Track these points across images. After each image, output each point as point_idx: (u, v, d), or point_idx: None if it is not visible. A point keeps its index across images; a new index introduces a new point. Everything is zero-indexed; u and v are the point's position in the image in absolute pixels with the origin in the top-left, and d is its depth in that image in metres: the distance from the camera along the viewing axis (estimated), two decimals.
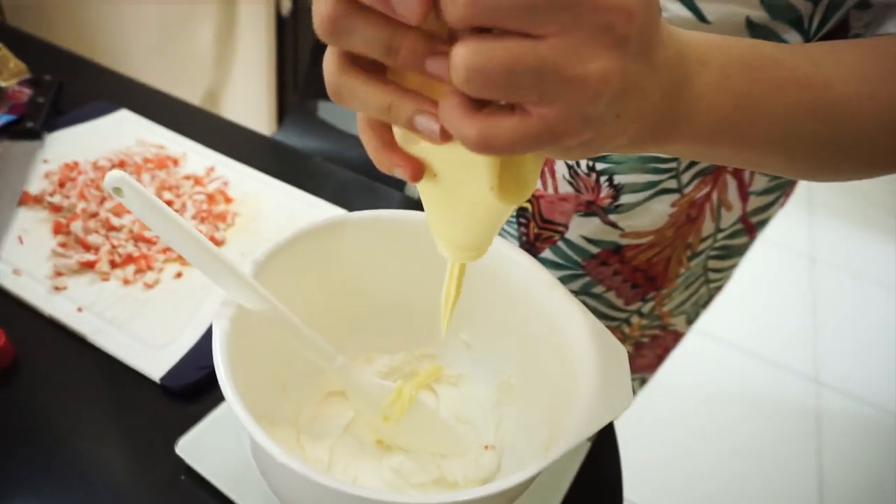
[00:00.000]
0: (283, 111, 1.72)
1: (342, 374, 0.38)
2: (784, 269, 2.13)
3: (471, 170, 0.25)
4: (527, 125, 0.22)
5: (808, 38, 0.42)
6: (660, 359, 0.71)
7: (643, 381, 0.75)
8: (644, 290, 0.60)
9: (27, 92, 0.70)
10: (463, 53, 0.20)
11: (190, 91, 1.40)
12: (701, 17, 0.42)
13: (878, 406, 1.72)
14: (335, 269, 0.44)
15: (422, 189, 0.29)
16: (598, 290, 0.60)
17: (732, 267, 0.64)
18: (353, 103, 0.25)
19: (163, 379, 0.46)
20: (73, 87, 0.74)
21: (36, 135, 0.64)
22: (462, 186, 0.26)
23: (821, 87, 0.31)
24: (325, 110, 1.62)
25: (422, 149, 0.26)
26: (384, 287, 0.46)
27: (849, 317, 2.01)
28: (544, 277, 0.41)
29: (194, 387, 0.46)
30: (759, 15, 0.41)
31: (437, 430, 0.40)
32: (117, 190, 0.31)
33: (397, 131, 0.27)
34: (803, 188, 2.44)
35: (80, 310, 0.50)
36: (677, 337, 0.69)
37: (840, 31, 0.45)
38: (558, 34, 0.20)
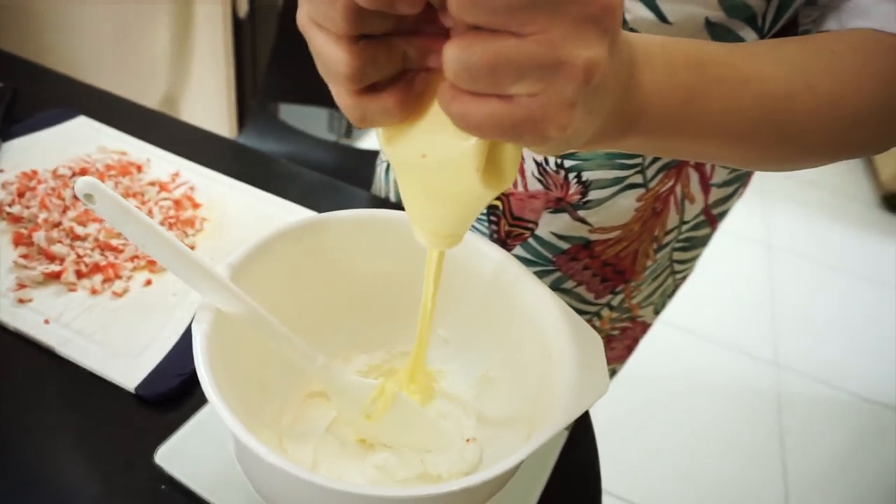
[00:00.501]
0: (243, 114, 1.69)
1: (323, 374, 0.38)
2: (741, 257, 2.20)
3: (458, 156, 0.26)
4: (511, 110, 0.23)
5: (762, 35, 0.44)
6: (629, 349, 0.73)
7: (613, 372, 0.76)
8: (613, 284, 0.61)
9: None
10: (450, 52, 0.22)
11: (147, 95, 1.37)
12: (662, 18, 0.43)
13: (835, 385, 1.79)
14: (309, 270, 0.44)
15: (403, 177, 0.30)
16: (569, 285, 0.61)
17: (696, 258, 0.66)
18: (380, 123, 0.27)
19: (138, 388, 0.45)
20: (28, 94, 0.72)
21: None
22: (446, 172, 0.27)
23: (759, 80, 0.33)
24: (285, 112, 1.61)
25: (409, 134, 0.27)
26: (360, 286, 0.46)
27: (805, 300, 2.08)
28: (516, 270, 0.42)
29: (171, 394, 0.45)
30: (716, 14, 0.43)
31: (421, 426, 0.41)
32: (88, 196, 0.31)
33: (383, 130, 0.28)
34: (757, 178, 2.52)
35: (46, 322, 0.48)
36: (645, 327, 0.71)
37: (791, 28, 0.47)
38: (540, 31, 0.21)
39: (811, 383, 1.79)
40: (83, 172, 0.61)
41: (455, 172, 0.27)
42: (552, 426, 0.33)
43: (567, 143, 0.26)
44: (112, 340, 0.48)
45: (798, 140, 0.36)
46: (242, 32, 1.57)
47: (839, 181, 2.74)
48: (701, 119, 0.32)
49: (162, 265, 0.34)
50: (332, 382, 0.38)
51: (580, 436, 0.48)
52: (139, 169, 0.64)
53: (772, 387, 1.75)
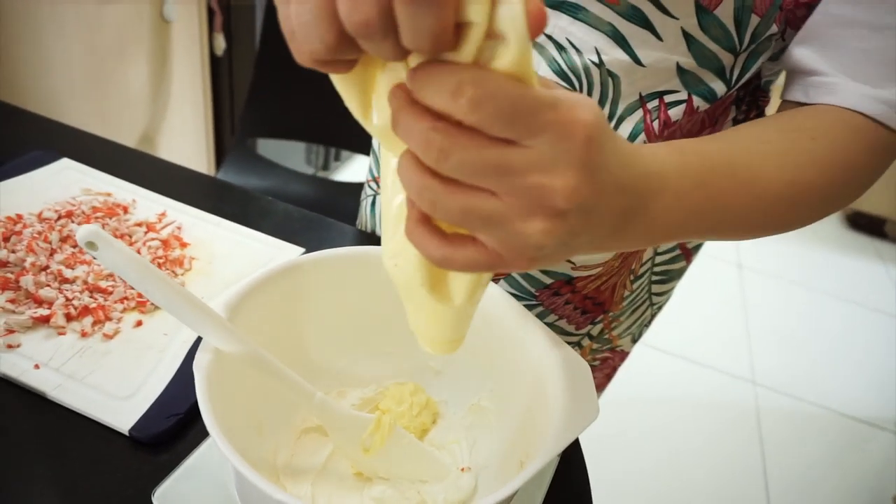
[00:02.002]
0: (221, 150, 1.70)
1: (321, 409, 0.39)
2: (715, 278, 2.25)
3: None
4: (478, 255, 0.25)
5: (729, 86, 0.47)
6: (608, 377, 0.75)
7: None
8: (593, 315, 0.63)
9: None
10: (413, 185, 0.24)
11: (124, 134, 1.37)
12: (637, 61, 0.46)
13: (811, 401, 1.83)
14: (302, 307, 0.45)
15: (402, 292, 0.30)
16: (551, 318, 0.63)
17: (672, 289, 0.69)
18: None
19: (132, 430, 0.45)
20: (7, 137, 0.72)
21: None
22: (423, 291, 0.28)
23: (752, 184, 0.36)
24: (263, 147, 1.62)
25: (392, 239, 0.28)
26: (352, 322, 0.47)
27: (777, 318, 2.13)
28: (505, 301, 0.44)
29: (164, 436, 0.45)
30: (687, 62, 0.46)
31: (417, 457, 0.41)
32: (91, 244, 0.32)
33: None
34: None
35: (37, 366, 0.48)
36: (623, 356, 0.73)
37: (755, 78, 0.50)
38: (504, 195, 0.24)
39: (787, 399, 1.83)
40: (69, 215, 0.61)
41: (413, 284, 0.28)
42: (545, 454, 0.34)
43: (550, 265, 0.28)
44: (104, 383, 0.48)
45: (776, 224, 0.40)
46: (220, 69, 1.59)
47: None
48: (698, 227, 0.35)
49: (164, 309, 0.34)
50: (331, 417, 0.39)
51: (572, 458, 0.49)
52: (125, 210, 0.65)
53: (750, 403, 1.79)
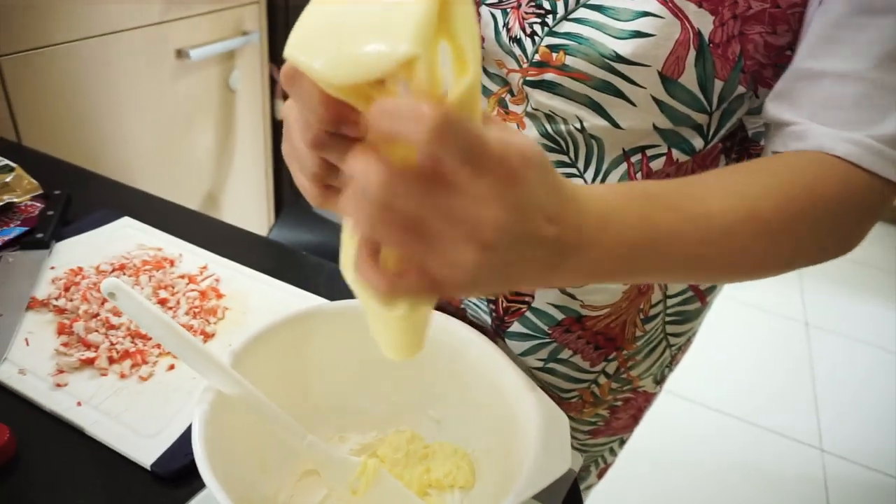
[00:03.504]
0: (280, 209, 1.81)
1: (312, 452, 0.41)
2: (781, 336, 2.15)
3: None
4: (419, 282, 0.27)
5: (707, 140, 0.49)
6: (635, 419, 0.75)
7: (622, 442, 0.78)
8: (606, 351, 0.64)
9: (38, 206, 0.77)
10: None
11: (190, 195, 1.49)
12: (616, 125, 0.49)
13: (883, 471, 1.70)
14: (308, 355, 0.49)
15: (362, 302, 0.33)
16: (565, 354, 0.64)
17: (691, 330, 0.69)
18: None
19: (153, 465, 0.49)
20: (81, 199, 0.81)
21: (44, 245, 0.71)
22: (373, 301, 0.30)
23: (702, 218, 0.36)
24: None
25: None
26: (356, 370, 0.50)
27: (847, 380, 2.01)
28: (494, 353, 0.46)
29: (182, 471, 0.49)
30: (663, 122, 0.48)
31: (403, 501, 0.43)
32: (112, 294, 0.37)
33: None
34: None
35: (79, 404, 0.54)
36: (648, 397, 0.73)
37: (740, 131, 0.52)
38: (439, 225, 0.26)
39: (858, 469, 1.70)
40: (122, 268, 0.68)
41: (366, 295, 0.30)
42: (515, 496, 0.36)
43: (491, 290, 0.30)
44: (135, 421, 0.53)
45: (741, 261, 0.39)
46: (280, 133, 1.71)
47: (881, 258, 2.68)
48: (645, 263, 0.35)
49: (172, 352, 0.39)
50: (320, 459, 0.42)
51: None
52: (171, 263, 0.71)
53: (818, 472, 1.67)
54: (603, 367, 0.65)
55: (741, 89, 0.47)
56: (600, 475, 0.81)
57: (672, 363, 0.71)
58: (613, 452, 0.78)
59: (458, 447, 0.49)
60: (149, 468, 0.49)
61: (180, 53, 1.34)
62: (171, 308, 0.65)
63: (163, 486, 0.49)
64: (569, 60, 0.48)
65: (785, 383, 1.97)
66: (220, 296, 0.68)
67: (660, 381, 0.72)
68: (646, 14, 0.44)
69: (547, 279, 0.31)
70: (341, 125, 0.29)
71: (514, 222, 0.26)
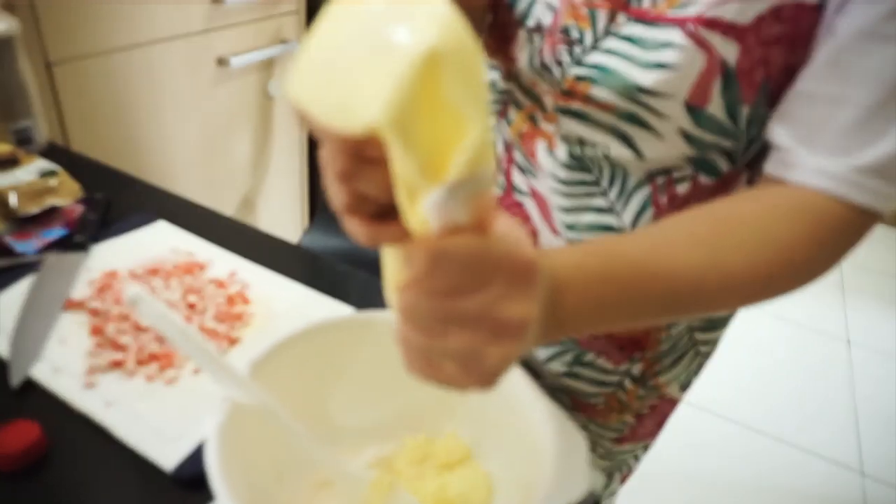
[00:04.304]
0: (314, 212, 1.83)
1: (326, 464, 0.42)
2: (821, 354, 2.08)
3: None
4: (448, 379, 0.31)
5: (734, 164, 0.49)
6: (659, 425, 0.74)
7: (646, 448, 0.77)
8: (629, 351, 0.63)
9: (80, 209, 0.79)
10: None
11: (227, 199, 1.52)
12: (640, 156, 0.49)
13: None
14: (330, 365, 0.49)
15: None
16: (589, 357, 0.64)
17: (719, 336, 0.68)
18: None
19: (175, 469, 0.50)
20: (120, 202, 0.83)
21: (83, 247, 0.73)
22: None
23: (667, 274, 0.38)
24: None
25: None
26: (377, 382, 0.50)
27: (889, 401, 1.93)
28: (517, 374, 0.46)
29: (202, 477, 0.50)
30: (691, 152, 0.48)
31: None
32: (135, 302, 0.38)
33: None
34: (835, 272, 2.41)
35: (108, 405, 0.55)
36: (673, 403, 0.72)
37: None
38: (469, 331, 0.29)
39: None
40: (154, 272, 0.70)
41: None
42: None
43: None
44: (159, 424, 0.54)
45: (707, 307, 0.41)
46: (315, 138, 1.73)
47: None
48: (615, 318, 0.38)
49: (190, 360, 0.39)
50: (335, 472, 0.42)
51: None
52: (202, 268, 0.72)
53: (857, 496, 1.61)
54: (627, 367, 0.65)
55: (764, 111, 0.46)
56: (623, 480, 0.81)
57: (698, 369, 0.70)
58: (637, 458, 0.78)
59: (477, 464, 0.49)
60: (170, 472, 0.50)
61: (221, 61, 1.37)
62: (199, 313, 0.66)
63: (183, 491, 0.50)
64: (594, 90, 0.48)
65: (825, 402, 1.90)
66: (246, 301, 0.69)
67: (685, 387, 0.71)
68: (668, 45, 0.44)
69: (538, 345, 0.36)
70: (365, 149, 0.28)
71: (534, 310, 0.30)
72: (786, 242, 0.40)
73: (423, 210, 0.26)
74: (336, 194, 0.32)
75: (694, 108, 0.45)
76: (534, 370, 0.68)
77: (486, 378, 0.30)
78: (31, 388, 0.57)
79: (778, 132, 0.44)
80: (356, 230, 0.32)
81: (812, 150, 0.41)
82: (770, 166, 0.44)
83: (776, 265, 0.40)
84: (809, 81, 0.42)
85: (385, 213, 0.31)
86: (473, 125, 0.23)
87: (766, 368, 2.00)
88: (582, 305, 0.35)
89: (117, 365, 0.59)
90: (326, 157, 0.30)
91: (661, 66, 0.44)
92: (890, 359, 2.10)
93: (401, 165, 0.23)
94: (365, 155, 0.28)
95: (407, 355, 0.31)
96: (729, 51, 0.43)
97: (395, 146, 0.23)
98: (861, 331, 2.20)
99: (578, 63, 0.49)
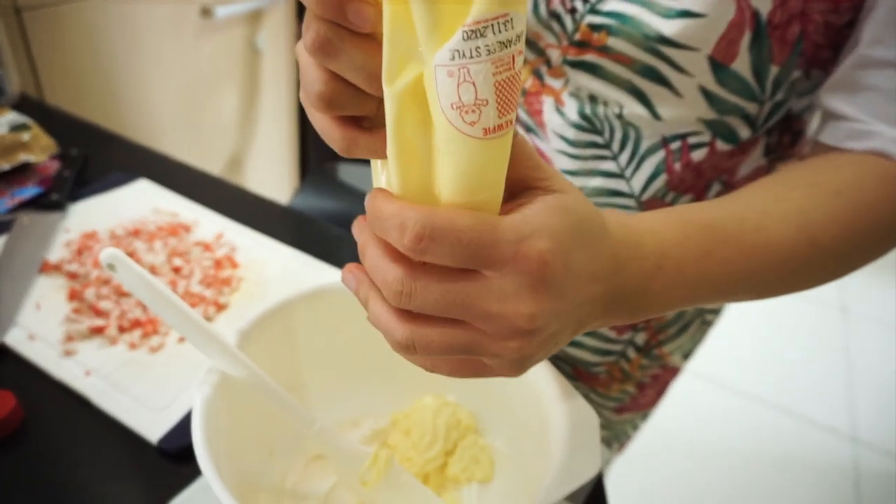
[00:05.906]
0: (305, 173, 1.78)
1: (320, 439, 0.39)
2: (816, 323, 2.09)
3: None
4: (470, 371, 0.28)
5: (755, 130, 0.45)
6: (659, 394, 0.73)
7: (645, 416, 0.76)
8: None
9: (54, 166, 0.75)
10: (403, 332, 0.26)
11: (213, 157, 1.47)
12: (657, 117, 0.45)
13: None
14: (320, 335, 0.46)
15: None
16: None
17: (724, 305, 0.66)
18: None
19: (160, 441, 0.47)
20: (98, 160, 0.79)
21: (60, 206, 0.69)
22: None
23: (763, 250, 0.34)
24: (343, 171, 1.68)
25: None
26: (365, 353, 0.47)
27: (884, 370, 1.94)
28: None
29: (190, 449, 0.47)
30: (709, 115, 0.44)
31: (415, 494, 0.41)
32: (111, 266, 0.34)
33: None
34: None
35: (87, 373, 0.52)
36: (675, 372, 0.70)
37: (784, 119, 0.47)
38: (473, 324, 0.25)
39: (893, 462, 1.65)
40: (136, 233, 0.66)
41: None
42: (545, 496, 0.33)
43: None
44: (143, 394, 0.51)
45: (794, 285, 0.38)
46: None
47: None
48: (704, 297, 0.34)
49: (175, 330, 0.36)
50: (329, 447, 0.39)
51: None
52: (187, 229, 0.69)
53: (848, 464, 1.62)
54: (631, 336, 0.63)
55: (796, 73, 0.42)
56: (620, 449, 0.79)
57: (702, 338, 0.68)
58: (636, 427, 0.77)
59: (479, 438, 0.46)
60: (155, 443, 0.47)
61: (205, 11, 1.30)
62: (184, 277, 0.62)
63: (169, 463, 0.47)
64: (611, 41, 0.44)
65: (819, 371, 1.91)
66: (235, 265, 0.65)
67: (688, 356, 0.69)
68: None
69: (607, 324, 0.30)
70: (345, 8, 0.23)
71: (546, 307, 0.25)
72: (878, 216, 0.37)
73: (429, 77, 0.21)
74: (311, 77, 0.25)
75: (718, 65, 0.41)
76: None
77: (516, 367, 0.27)
78: (5, 356, 0.53)
79: (841, 103, 0.40)
80: (329, 130, 0.27)
81: (886, 122, 0.38)
82: (832, 137, 0.41)
83: (870, 239, 0.38)
84: (871, 46, 0.38)
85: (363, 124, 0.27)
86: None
87: (761, 337, 2.00)
88: (671, 290, 0.32)
89: (97, 331, 0.55)
90: (305, 25, 0.25)
91: (686, 13, 0.40)
92: (885, 327, 2.11)
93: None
94: (349, 24, 0.23)
95: (387, 337, 0.28)
96: (762, 1, 0.39)
97: None
98: (856, 299, 2.20)
99: (593, 10, 0.44)
